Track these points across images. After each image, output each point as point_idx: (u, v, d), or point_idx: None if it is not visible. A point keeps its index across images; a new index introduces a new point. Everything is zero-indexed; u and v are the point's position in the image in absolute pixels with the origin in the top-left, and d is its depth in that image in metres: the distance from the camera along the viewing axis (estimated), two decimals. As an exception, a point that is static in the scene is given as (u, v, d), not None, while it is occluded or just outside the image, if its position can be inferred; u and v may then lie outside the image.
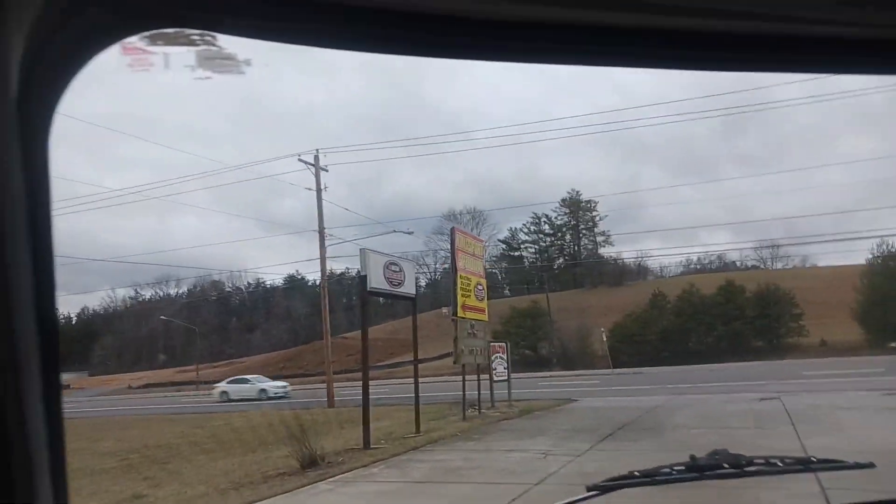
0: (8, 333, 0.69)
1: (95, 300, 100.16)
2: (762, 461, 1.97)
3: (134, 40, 0.80)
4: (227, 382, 42.48)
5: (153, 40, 0.80)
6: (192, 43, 0.81)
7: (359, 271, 14.58)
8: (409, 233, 38.52)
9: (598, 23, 0.85)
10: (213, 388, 42.76)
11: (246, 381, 41.82)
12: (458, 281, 16.86)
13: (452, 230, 18.61)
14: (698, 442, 11.23)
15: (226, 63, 0.83)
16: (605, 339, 48.96)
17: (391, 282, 14.60)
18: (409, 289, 15.47)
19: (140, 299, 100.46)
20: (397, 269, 14.85)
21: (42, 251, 0.74)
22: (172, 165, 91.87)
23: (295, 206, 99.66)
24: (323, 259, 31.43)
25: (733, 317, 52.80)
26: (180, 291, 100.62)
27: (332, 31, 0.83)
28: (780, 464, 1.98)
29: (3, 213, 0.69)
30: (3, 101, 0.70)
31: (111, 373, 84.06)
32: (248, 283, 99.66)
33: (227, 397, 39.47)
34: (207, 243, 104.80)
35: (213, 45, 0.81)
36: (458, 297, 16.76)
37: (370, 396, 13.54)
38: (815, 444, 9.68)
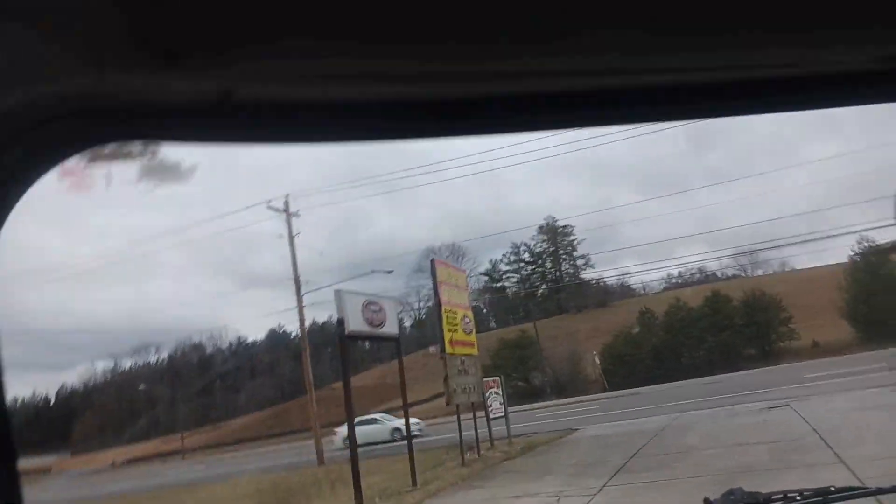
0: None
1: (74, 376, 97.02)
2: (780, 497, 1.97)
3: (71, 163, 0.76)
4: None
5: (92, 160, 0.76)
6: (132, 157, 0.77)
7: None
8: (389, 272, 37.77)
9: (583, 89, 0.87)
10: (335, 434, 34.49)
11: (374, 421, 35.64)
12: (444, 315, 15.94)
13: (432, 262, 17.73)
14: (719, 466, 10.43)
15: (169, 173, 0.80)
16: (598, 361, 47.99)
17: (371, 322, 13.69)
18: (391, 328, 14.61)
19: (119, 371, 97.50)
20: (377, 309, 13.93)
21: None
22: (145, 230, 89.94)
23: (272, 258, 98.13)
24: (301, 308, 30.32)
25: (722, 327, 52.35)
26: (161, 358, 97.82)
27: (274, 127, 0.82)
28: (798, 497, 1.97)
29: None
30: None
31: (93, 450, 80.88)
32: (230, 343, 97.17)
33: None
34: (185, 304, 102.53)
35: (156, 155, 0.78)
36: (445, 331, 15.81)
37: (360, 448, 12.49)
38: (858, 454, 8.74)
